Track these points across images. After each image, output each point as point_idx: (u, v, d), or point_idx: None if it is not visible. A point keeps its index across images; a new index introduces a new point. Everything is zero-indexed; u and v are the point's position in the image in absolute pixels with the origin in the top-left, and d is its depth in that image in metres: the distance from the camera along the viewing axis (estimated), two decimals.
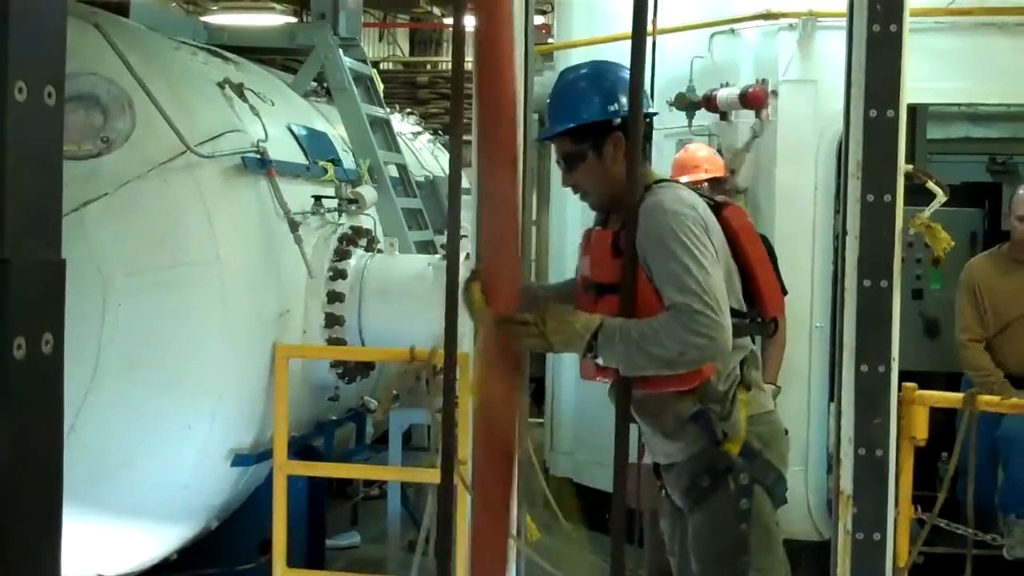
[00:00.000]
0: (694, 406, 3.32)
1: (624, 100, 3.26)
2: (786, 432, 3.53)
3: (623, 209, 3.20)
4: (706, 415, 3.32)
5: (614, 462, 3.01)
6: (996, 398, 4.67)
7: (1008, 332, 6.03)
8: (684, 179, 5.15)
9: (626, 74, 3.11)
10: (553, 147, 3.53)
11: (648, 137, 3.45)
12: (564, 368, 7.46)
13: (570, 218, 7.38)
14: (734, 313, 3.25)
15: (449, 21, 11.87)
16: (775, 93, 5.94)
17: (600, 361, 3.22)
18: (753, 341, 3.53)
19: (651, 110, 3.52)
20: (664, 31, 6.08)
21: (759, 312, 3.51)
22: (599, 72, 3.46)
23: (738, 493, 3.32)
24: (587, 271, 3.42)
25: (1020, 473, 5.87)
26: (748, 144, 6.07)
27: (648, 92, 3.54)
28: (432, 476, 5.46)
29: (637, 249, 3.15)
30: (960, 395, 4.50)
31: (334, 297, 6.09)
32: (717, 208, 3.42)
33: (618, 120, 3.32)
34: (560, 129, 3.39)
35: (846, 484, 3.48)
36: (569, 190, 3.55)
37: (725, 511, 3.35)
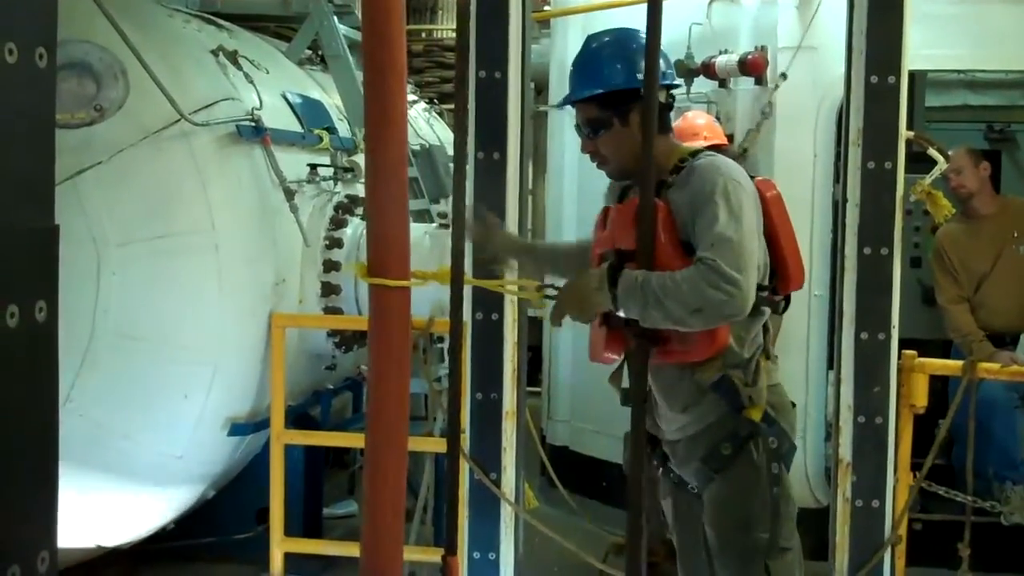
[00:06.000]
0: (717, 373, 3.26)
1: None
2: (793, 405, 3.47)
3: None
4: (729, 381, 3.26)
5: (631, 439, 2.97)
6: (996, 365, 4.66)
7: (983, 289, 6.02)
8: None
9: None
10: (575, 112, 3.45)
11: (670, 107, 3.43)
12: (561, 337, 7.44)
13: (567, 189, 7.34)
14: (757, 287, 3.19)
15: None
16: (784, 76, 5.87)
17: (622, 313, 3.18)
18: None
19: (675, 81, 3.49)
20: None
21: (776, 287, 3.45)
22: (626, 39, 3.40)
23: (768, 457, 3.26)
24: (608, 243, 3.35)
25: (1002, 436, 5.87)
26: (759, 124, 6.02)
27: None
28: (429, 445, 5.47)
29: (684, 209, 3.16)
30: (960, 363, 4.49)
31: (330, 266, 6.07)
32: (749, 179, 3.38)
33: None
34: (587, 93, 3.33)
35: (845, 452, 3.48)
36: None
37: (751, 477, 3.27)
